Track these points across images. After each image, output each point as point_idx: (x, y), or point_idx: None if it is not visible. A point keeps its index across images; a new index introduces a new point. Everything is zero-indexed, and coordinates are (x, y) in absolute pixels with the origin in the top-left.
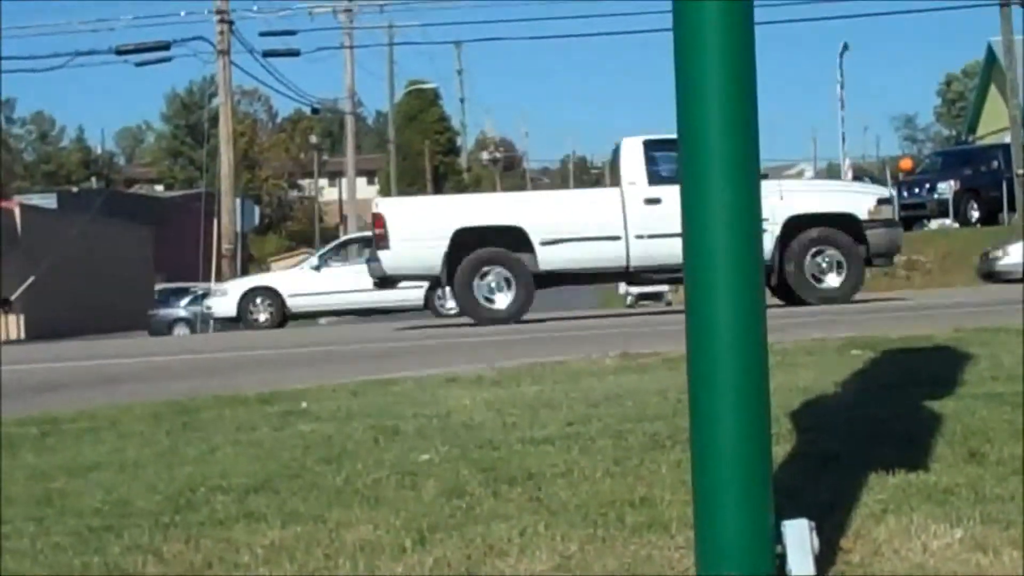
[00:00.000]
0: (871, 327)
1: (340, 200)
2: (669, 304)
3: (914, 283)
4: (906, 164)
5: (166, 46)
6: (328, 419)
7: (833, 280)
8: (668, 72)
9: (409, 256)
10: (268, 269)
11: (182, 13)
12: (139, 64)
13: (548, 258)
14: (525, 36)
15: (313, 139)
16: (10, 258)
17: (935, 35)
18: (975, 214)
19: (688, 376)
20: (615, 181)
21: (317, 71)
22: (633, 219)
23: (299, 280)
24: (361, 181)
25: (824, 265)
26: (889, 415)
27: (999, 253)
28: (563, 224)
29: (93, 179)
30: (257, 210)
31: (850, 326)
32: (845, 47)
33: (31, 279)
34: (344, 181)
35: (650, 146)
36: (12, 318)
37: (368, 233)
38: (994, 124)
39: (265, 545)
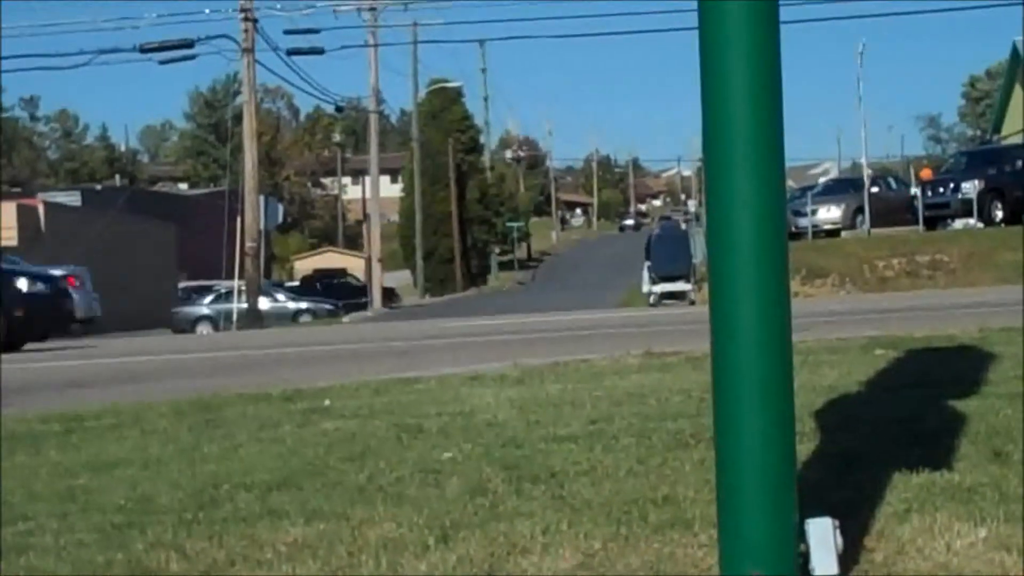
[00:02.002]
0: (895, 326)
1: (363, 198)
2: (692, 303)
3: (938, 283)
4: (926, 173)
5: (190, 44)
6: (351, 417)
7: None
8: (694, 71)
9: None
10: (291, 268)
11: (206, 11)
12: (163, 62)
13: None
14: (549, 35)
15: (336, 137)
16: (34, 255)
17: (960, 35)
18: (999, 214)
19: (712, 375)
20: None
21: (341, 69)
22: None
23: None
24: (384, 179)
25: None
26: (913, 414)
27: None
28: None
29: (117, 177)
30: (280, 208)
31: (874, 325)
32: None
33: None
34: (367, 179)
35: None
36: None
37: None
38: (1018, 123)
39: (288, 542)
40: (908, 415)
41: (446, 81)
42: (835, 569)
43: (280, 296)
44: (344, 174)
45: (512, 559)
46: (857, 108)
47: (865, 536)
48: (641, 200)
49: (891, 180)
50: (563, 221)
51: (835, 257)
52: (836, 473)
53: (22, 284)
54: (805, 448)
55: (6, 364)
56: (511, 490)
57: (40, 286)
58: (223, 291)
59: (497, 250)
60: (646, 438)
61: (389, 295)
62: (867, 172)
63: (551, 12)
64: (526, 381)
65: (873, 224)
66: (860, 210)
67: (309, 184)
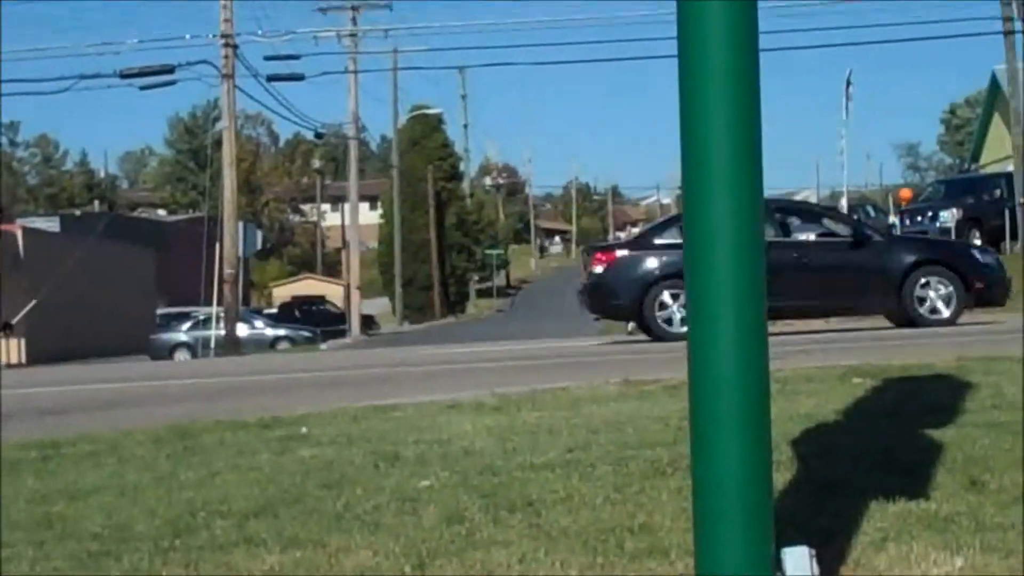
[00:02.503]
0: (873, 355)
1: (343, 225)
2: None
3: None
4: (906, 194)
5: (171, 70)
6: (328, 444)
7: None
8: (673, 100)
9: None
10: (270, 295)
11: (187, 37)
12: (143, 88)
13: None
14: (529, 62)
15: (316, 163)
16: (12, 281)
17: (940, 63)
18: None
19: (689, 403)
20: None
21: (321, 95)
22: None
23: None
24: (364, 206)
25: None
26: (890, 443)
27: None
28: None
29: (96, 202)
30: (259, 235)
31: (852, 353)
32: (849, 79)
33: (33, 303)
34: (347, 206)
35: None
36: (14, 342)
37: None
38: (997, 152)
39: (265, 570)
40: (885, 444)
41: (426, 108)
42: None
43: (258, 323)
44: (324, 200)
45: None
46: (840, 137)
47: (842, 565)
48: (620, 228)
49: (869, 208)
50: (542, 249)
51: None
52: (813, 501)
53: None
54: (782, 477)
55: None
56: (488, 518)
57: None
58: (201, 318)
59: (476, 277)
60: (623, 466)
61: (368, 322)
62: (844, 202)
63: (531, 40)
64: (504, 409)
65: None
66: None
67: (288, 210)
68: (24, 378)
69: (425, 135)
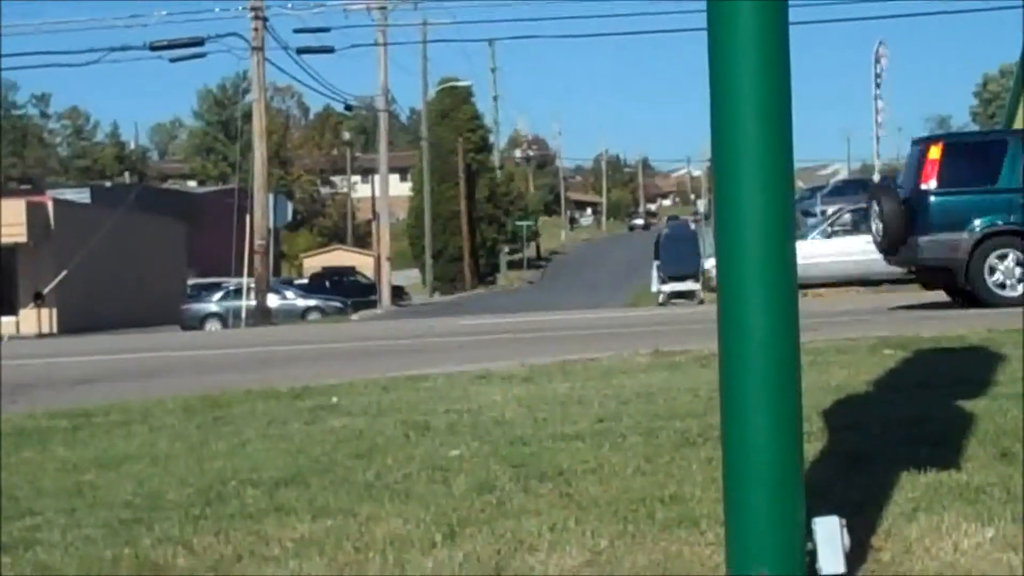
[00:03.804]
0: (904, 327)
1: (373, 196)
2: (701, 302)
3: None
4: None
5: (200, 42)
6: (359, 414)
7: None
8: (704, 72)
9: None
10: (300, 265)
11: (216, 9)
12: (173, 60)
13: None
14: (559, 34)
15: (346, 136)
16: (43, 252)
17: (972, 35)
18: None
19: (720, 374)
20: None
21: (351, 68)
22: None
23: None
24: (394, 178)
25: None
26: (921, 414)
27: None
28: None
29: (126, 174)
30: (290, 206)
31: (883, 326)
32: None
33: (64, 273)
34: (377, 178)
35: None
36: (45, 311)
37: None
38: None
39: (295, 538)
40: (916, 415)
41: (456, 80)
42: (842, 568)
43: (289, 294)
44: (353, 172)
45: (519, 556)
46: (872, 109)
47: (872, 535)
48: (650, 200)
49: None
50: (572, 220)
51: None
52: (844, 472)
53: None
54: (813, 447)
55: (12, 361)
56: (518, 488)
57: None
58: (232, 288)
59: (506, 249)
60: (653, 437)
61: (398, 293)
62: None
63: (561, 12)
64: (534, 379)
65: None
66: None
67: (318, 182)
68: (55, 348)
69: (454, 107)
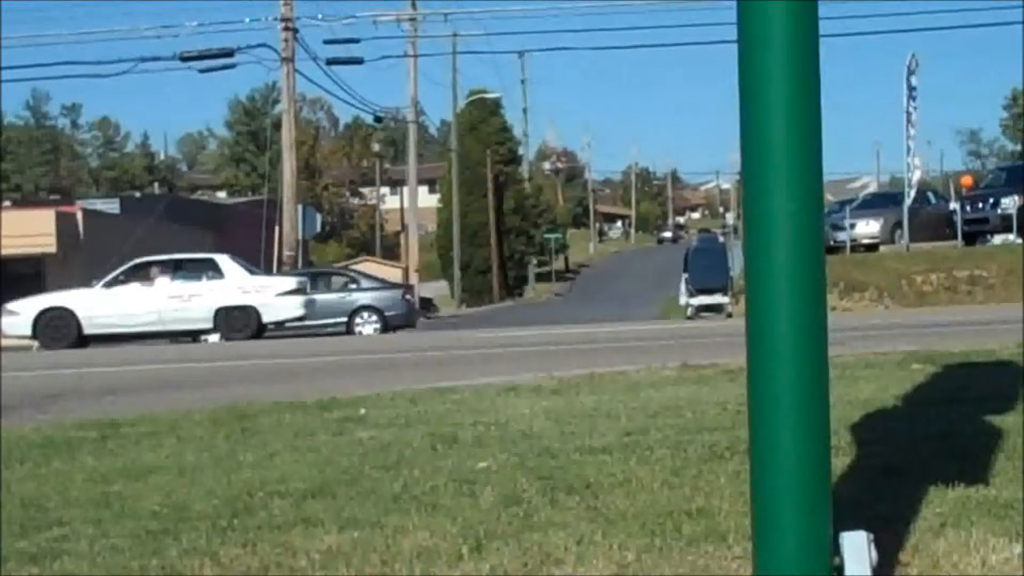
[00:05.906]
0: (933, 341)
1: (401, 208)
2: (730, 315)
3: (976, 298)
4: (966, 181)
5: (230, 53)
6: (386, 426)
7: None
8: (733, 85)
9: None
10: None
11: (246, 20)
12: (203, 71)
13: None
14: (589, 46)
15: (375, 147)
16: (72, 263)
17: (1003, 48)
18: None
19: (748, 387)
20: None
21: (380, 79)
22: None
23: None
24: (422, 189)
25: None
26: (949, 429)
27: None
28: None
29: (156, 184)
30: (319, 217)
31: (912, 340)
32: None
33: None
34: (405, 189)
35: None
36: None
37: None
38: None
39: (322, 550)
40: (944, 430)
41: (485, 92)
42: None
43: None
44: (382, 184)
45: (546, 569)
46: (903, 122)
47: (900, 550)
48: (679, 213)
49: (930, 195)
50: (601, 233)
51: (873, 271)
52: (872, 487)
53: None
54: (841, 462)
55: (42, 372)
56: (545, 500)
57: None
58: None
59: (534, 261)
60: (681, 450)
61: (426, 305)
62: (913, 184)
63: (591, 24)
64: (562, 392)
65: (912, 239)
66: (899, 224)
67: (347, 194)
68: (84, 358)
69: (483, 119)
